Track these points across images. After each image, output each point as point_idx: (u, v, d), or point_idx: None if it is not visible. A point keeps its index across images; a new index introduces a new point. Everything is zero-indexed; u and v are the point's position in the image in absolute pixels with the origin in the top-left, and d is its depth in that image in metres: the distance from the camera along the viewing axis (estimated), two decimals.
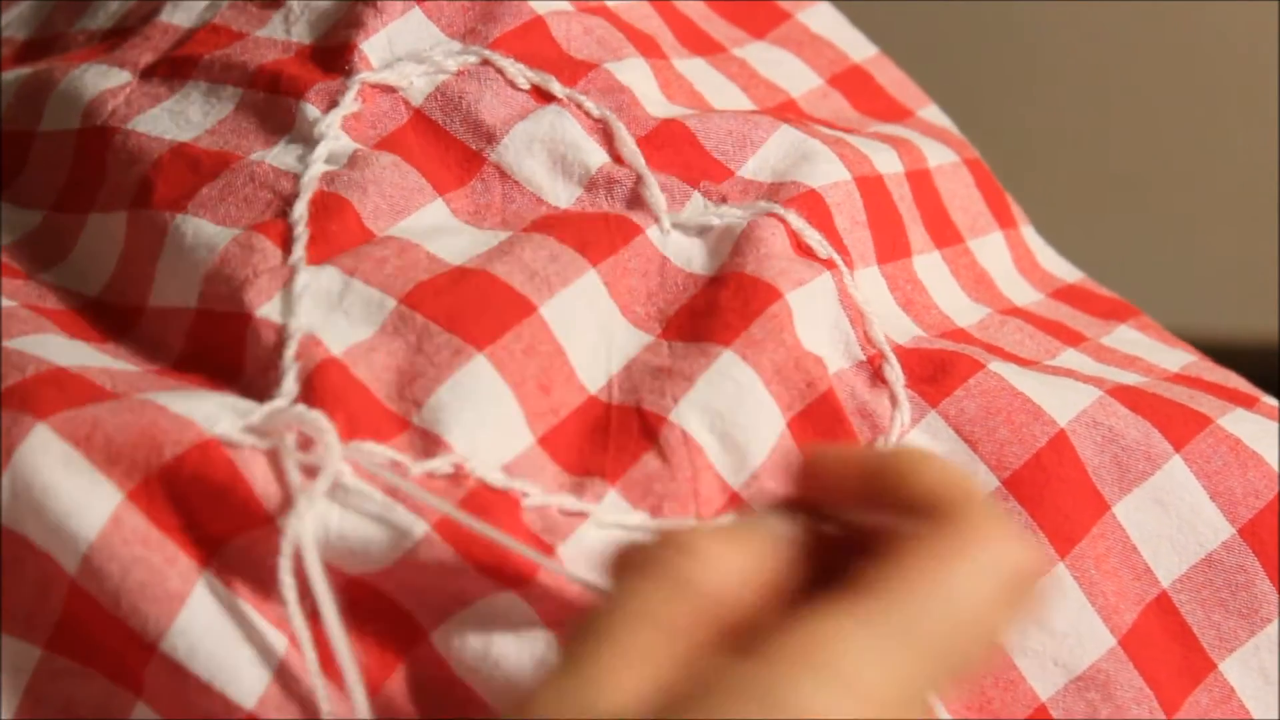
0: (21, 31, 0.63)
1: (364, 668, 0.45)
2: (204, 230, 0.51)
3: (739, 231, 0.52)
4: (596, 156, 0.54)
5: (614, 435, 0.49)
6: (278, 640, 0.45)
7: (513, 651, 0.45)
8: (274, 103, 0.54)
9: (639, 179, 0.53)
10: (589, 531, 0.46)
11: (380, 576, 0.45)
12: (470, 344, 0.47)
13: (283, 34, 0.56)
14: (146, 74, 0.57)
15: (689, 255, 0.53)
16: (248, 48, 0.56)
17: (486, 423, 0.47)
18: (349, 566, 0.45)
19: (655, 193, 0.53)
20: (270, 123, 0.54)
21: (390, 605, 0.46)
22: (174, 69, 0.56)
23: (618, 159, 0.54)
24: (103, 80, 0.56)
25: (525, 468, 0.47)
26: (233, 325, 0.48)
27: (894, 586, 0.36)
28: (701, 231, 0.53)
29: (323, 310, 0.48)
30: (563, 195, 0.53)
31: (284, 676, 0.45)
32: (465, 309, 0.48)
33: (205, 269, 0.50)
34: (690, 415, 0.48)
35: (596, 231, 0.51)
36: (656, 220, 0.53)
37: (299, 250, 0.49)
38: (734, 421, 0.49)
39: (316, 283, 0.48)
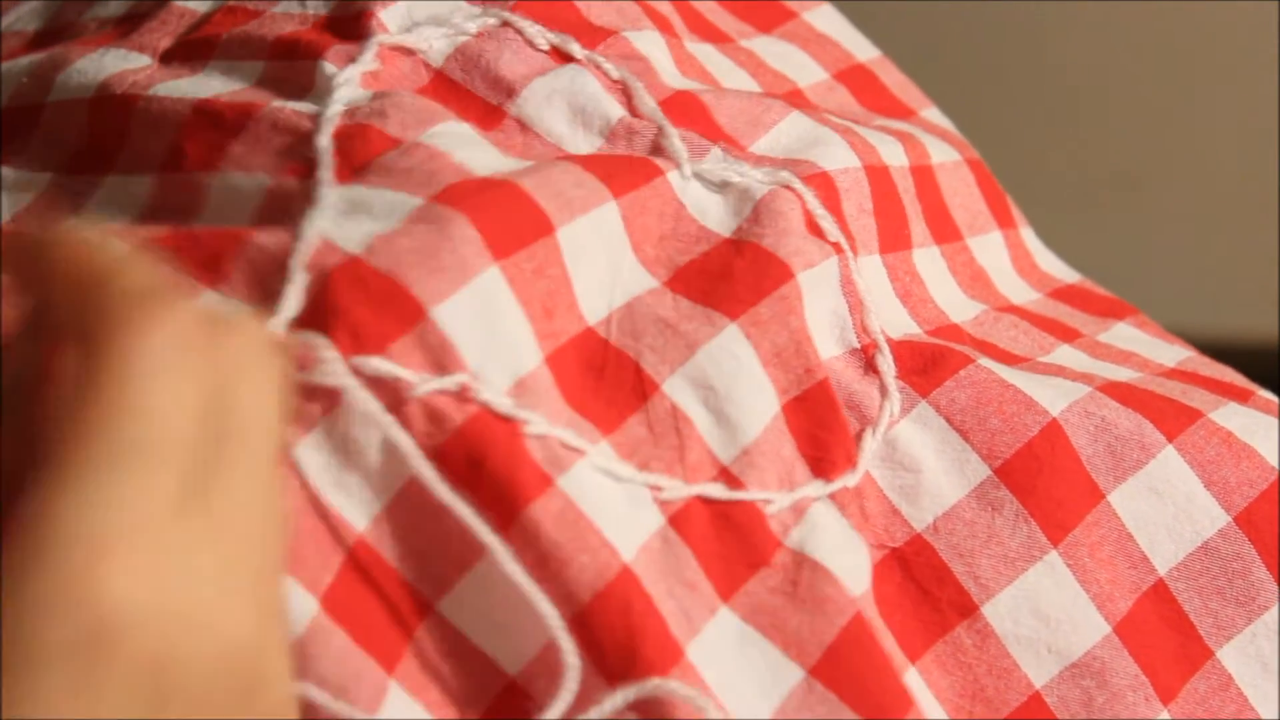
0: (32, 24, 0.63)
1: (375, 652, 0.45)
2: (237, 183, 0.50)
3: (758, 197, 0.52)
4: (616, 109, 0.54)
5: (608, 380, 0.48)
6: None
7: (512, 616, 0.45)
8: (293, 68, 0.54)
9: (660, 130, 0.53)
10: (584, 470, 0.46)
11: (382, 526, 0.45)
12: (490, 250, 0.47)
13: (299, 8, 0.56)
14: (166, 58, 0.57)
15: (705, 207, 0.52)
16: (265, 24, 0.56)
17: (499, 337, 0.46)
18: (350, 507, 0.45)
19: (676, 143, 0.53)
20: (290, 86, 0.53)
21: (394, 580, 0.45)
22: (193, 51, 0.56)
23: (637, 116, 0.54)
24: (122, 63, 0.56)
25: (534, 386, 0.46)
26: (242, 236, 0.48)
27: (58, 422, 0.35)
28: (721, 187, 0.53)
29: (345, 213, 0.47)
30: (583, 146, 0.53)
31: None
32: (490, 210, 0.47)
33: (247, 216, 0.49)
34: (683, 389, 0.49)
35: (620, 167, 0.51)
36: (678, 167, 0.53)
37: (324, 172, 0.49)
38: (728, 397, 0.49)
39: (340, 195, 0.48)
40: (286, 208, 0.48)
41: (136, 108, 0.54)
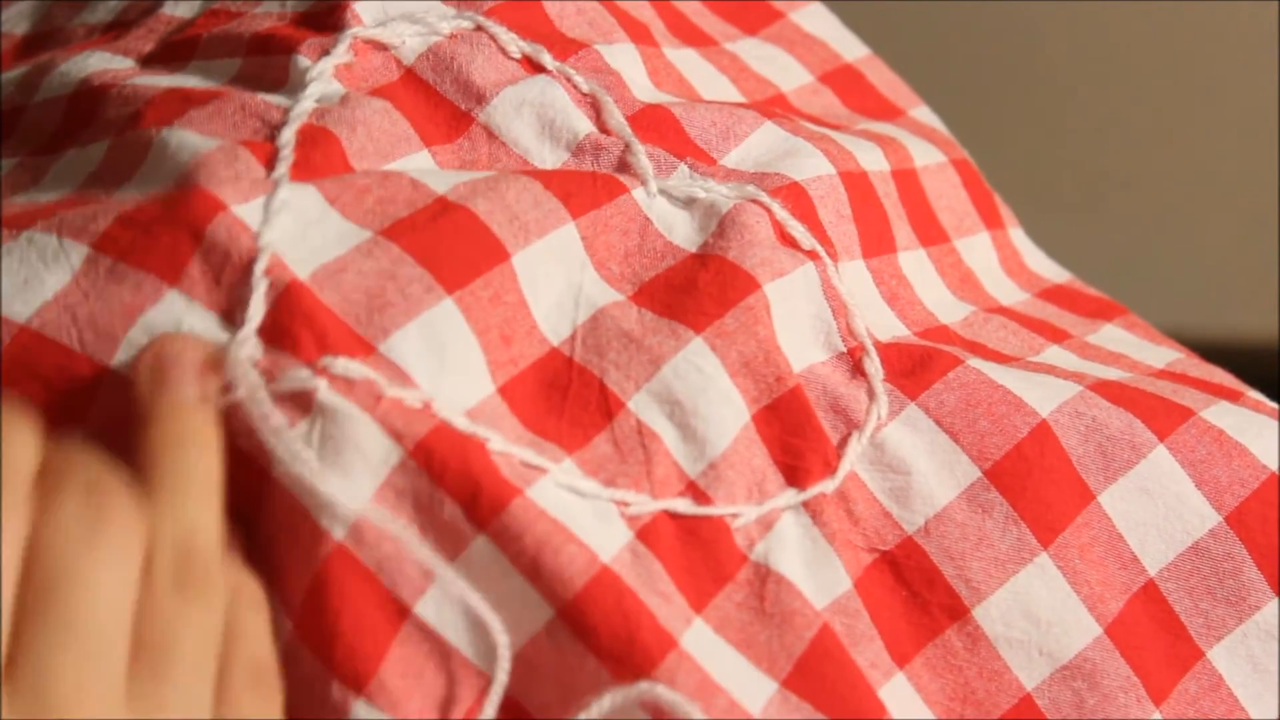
0: (20, 26, 0.64)
1: (353, 656, 0.45)
2: (188, 139, 0.50)
3: (724, 211, 0.52)
4: (584, 124, 0.54)
5: (571, 400, 0.49)
6: None
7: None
8: (268, 63, 0.54)
9: (626, 146, 0.53)
10: (548, 486, 0.46)
11: (358, 534, 0.45)
12: (441, 284, 0.47)
13: (278, 6, 0.57)
14: (148, 60, 0.57)
15: (671, 223, 0.53)
16: (244, 22, 0.56)
17: (451, 367, 0.46)
18: (328, 516, 0.45)
19: (642, 160, 0.53)
20: (265, 81, 0.53)
21: (372, 585, 0.45)
22: (174, 53, 0.56)
23: (605, 131, 0.54)
24: (105, 64, 0.56)
25: (486, 415, 0.47)
26: (205, 203, 0.47)
27: None
28: (687, 203, 0.53)
29: (299, 227, 0.47)
30: (549, 159, 0.53)
31: None
32: (441, 245, 0.48)
33: (185, 168, 0.49)
34: (648, 405, 0.49)
35: (582, 185, 0.51)
36: (643, 184, 0.53)
37: (282, 169, 0.49)
38: (694, 411, 0.49)
39: (297, 201, 0.48)
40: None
41: (110, 92, 0.54)
